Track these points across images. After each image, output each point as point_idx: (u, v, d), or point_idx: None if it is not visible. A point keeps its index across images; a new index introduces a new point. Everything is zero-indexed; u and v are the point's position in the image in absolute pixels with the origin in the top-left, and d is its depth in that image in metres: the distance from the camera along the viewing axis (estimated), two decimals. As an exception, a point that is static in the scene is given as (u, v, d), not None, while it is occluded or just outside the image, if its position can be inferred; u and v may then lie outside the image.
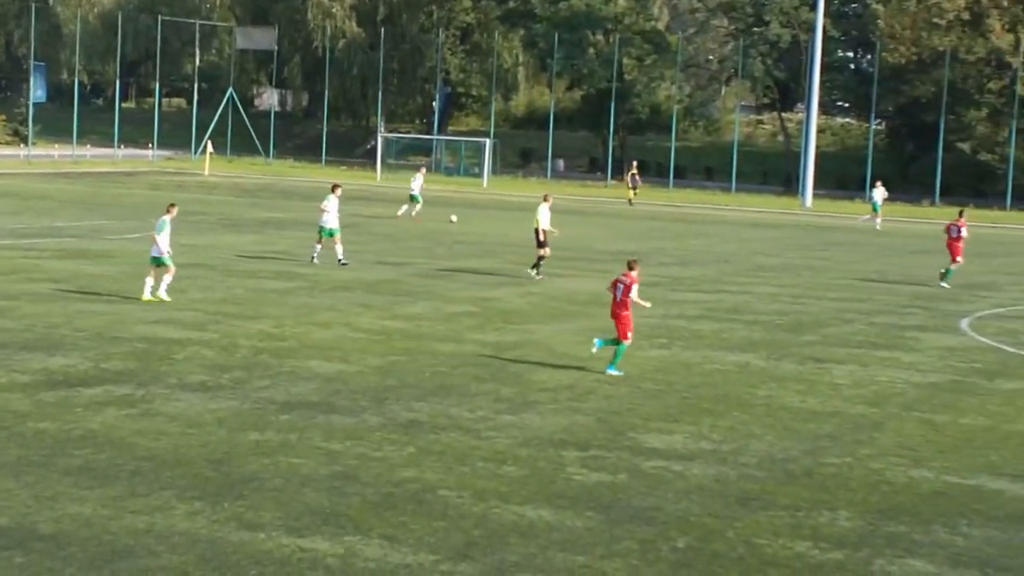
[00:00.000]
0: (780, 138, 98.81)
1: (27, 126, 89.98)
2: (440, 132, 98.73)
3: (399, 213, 52.19)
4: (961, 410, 19.64)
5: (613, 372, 20.86)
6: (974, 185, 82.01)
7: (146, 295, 26.38)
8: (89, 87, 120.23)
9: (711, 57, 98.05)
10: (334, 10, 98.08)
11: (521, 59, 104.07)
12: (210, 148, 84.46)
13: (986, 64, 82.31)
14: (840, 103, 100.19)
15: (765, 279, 36.64)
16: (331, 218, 34.67)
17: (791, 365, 22.84)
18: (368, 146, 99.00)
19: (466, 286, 31.72)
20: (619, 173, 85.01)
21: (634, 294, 20.84)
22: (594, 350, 21.28)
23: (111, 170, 79.70)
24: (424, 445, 15.90)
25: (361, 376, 20.01)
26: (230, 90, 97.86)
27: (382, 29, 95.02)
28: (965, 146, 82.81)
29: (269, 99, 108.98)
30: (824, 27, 79.09)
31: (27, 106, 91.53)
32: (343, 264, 34.11)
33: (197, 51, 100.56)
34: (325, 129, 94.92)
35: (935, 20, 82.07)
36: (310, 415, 17.20)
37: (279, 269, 33.37)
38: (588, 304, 28.89)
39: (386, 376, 20.08)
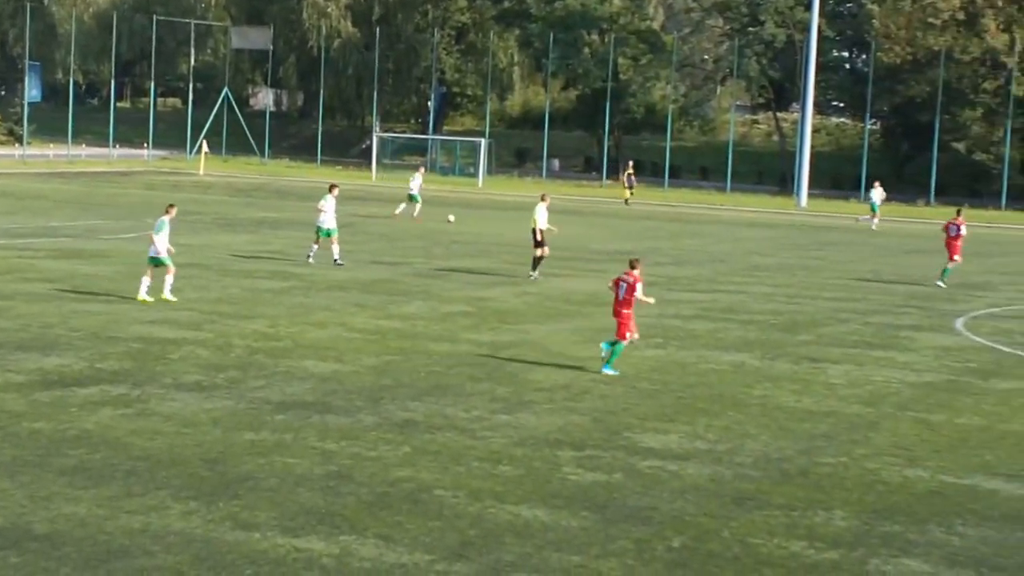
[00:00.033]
0: (775, 138, 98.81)
1: (22, 126, 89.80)
2: (435, 132, 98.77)
3: (396, 212, 52.20)
4: (956, 410, 19.65)
5: (609, 372, 20.85)
6: (969, 185, 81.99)
7: (141, 295, 26.35)
8: (84, 87, 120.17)
9: (706, 57, 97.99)
10: (329, 10, 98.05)
11: (516, 59, 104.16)
12: (205, 148, 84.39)
13: (981, 64, 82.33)
14: (835, 103, 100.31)
15: (760, 279, 36.65)
16: (328, 218, 34.71)
17: (786, 365, 22.84)
18: (363, 146, 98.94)
19: (461, 286, 31.72)
20: (614, 173, 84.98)
21: (639, 292, 20.86)
22: (603, 354, 21.20)
23: (106, 170, 79.63)
24: (419, 445, 15.90)
25: (356, 376, 20.00)
26: (225, 90, 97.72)
27: (377, 29, 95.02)
28: (960, 146, 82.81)
29: (264, 99, 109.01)
30: (819, 27, 79.13)
31: (22, 106, 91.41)
32: (339, 264, 34.13)
33: (192, 51, 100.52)
34: (320, 129, 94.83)
35: (930, 20, 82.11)
36: (305, 415, 17.20)
37: (274, 269, 33.36)
38: (584, 304, 28.90)
39: (381, 376, 20.07)
